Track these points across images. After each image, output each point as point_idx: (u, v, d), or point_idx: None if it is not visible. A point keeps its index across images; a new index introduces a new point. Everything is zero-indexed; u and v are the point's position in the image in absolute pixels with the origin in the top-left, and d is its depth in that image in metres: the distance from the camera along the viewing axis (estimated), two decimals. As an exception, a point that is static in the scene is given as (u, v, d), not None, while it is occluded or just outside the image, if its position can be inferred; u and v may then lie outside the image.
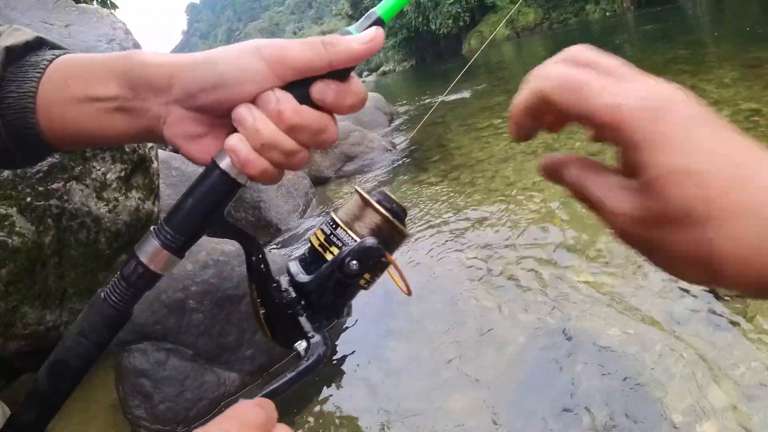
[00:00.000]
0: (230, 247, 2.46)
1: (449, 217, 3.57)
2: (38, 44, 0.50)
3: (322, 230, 0.51)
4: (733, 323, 1.77)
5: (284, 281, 0.51)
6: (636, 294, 2.09)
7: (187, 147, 0.45)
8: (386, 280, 0.53)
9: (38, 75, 0.47)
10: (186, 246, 0.46)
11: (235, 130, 0.44)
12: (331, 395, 2.20)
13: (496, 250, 2.85)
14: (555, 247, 2.66)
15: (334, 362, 2.38)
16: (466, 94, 9.03)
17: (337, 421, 2.05)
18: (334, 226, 0.50)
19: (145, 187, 3.04)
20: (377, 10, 0.45)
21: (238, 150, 0.43)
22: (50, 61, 0.48)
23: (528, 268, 2.56)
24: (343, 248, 0.49)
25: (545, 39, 16.94)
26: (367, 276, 0.49)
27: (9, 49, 0.47)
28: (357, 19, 0.46)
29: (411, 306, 2.61)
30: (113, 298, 0.45)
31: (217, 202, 0.45)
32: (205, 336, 2.29)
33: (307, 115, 0.43)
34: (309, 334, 0.48)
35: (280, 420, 0.44)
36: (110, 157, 2.78)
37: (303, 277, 0.50)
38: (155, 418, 2.20)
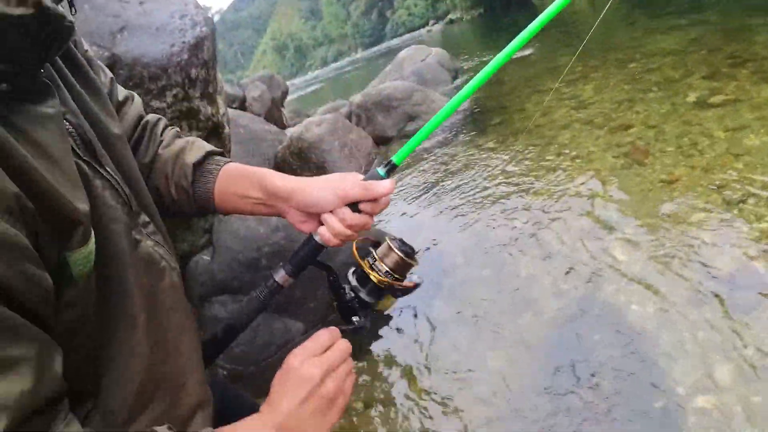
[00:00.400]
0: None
1: (502, 184, 3.69)
2: (210, 154, 0.90)
3: (367, 261, 0.88)
4: (751, 308, 1.85)
5: (347, 288, 0.87)
6: (667, 274, 2.19)
7: (299, 226, 0.86)
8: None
9: (213, 178, 0.88)
10: (299, 274, 0.87)
11: (321, 223, 0.84)
12: (383, 345, 2.48)
13: (545, 219, 2.96)
14: (600, 219, 2.75)
15: (387, 316, 2.64)
16: (531, 50, 8.80)
17: (385, 368, 2.33)
18: (373, 259, 0.87)
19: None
20: (393, 158, 0.83)
21: (323, 234, 0.83)
22: (219, 169, 0.88)
23: (573, 238, 2.68)
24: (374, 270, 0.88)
25: (622, -13, 15.97)
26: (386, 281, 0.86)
27: (195, 164, 0.87)
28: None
29: (459, 270, 2.80)
30: (260, 296, 0.87)
31: (313, 255, 0.87)
32: (274, 290, 2.57)
33: (358, 218, 0.82)
34: (360, 315, 0.86)
35: None
36: (187, 125, 3.04)
37: (355, 284, 0.88)
38: (231, 359, 2.53)
